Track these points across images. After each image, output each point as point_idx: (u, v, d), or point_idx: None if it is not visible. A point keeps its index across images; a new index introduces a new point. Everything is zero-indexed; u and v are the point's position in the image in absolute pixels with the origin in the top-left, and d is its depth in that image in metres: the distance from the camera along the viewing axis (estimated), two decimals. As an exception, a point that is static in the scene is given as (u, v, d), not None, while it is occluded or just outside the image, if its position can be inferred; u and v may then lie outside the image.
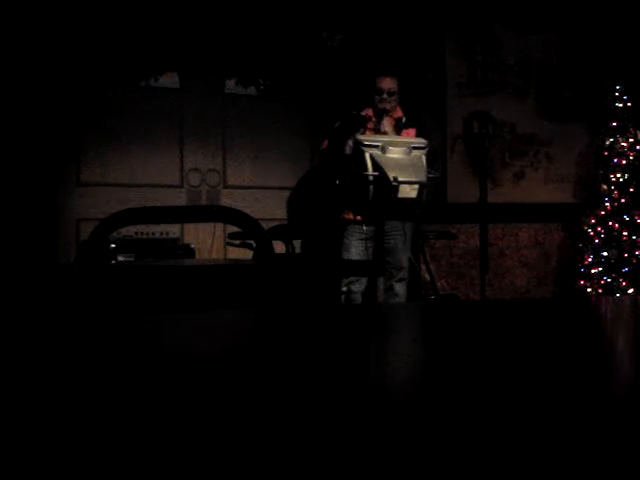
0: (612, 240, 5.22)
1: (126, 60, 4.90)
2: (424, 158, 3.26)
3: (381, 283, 4.30)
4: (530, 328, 0.93)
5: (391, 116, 4.29)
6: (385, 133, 4.16)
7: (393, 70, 4.44)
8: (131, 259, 4.05)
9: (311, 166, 5.33)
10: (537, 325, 0.97)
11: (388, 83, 4.31)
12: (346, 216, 4.29)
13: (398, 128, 4.25)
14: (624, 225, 5.22)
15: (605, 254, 5.21)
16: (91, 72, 4.81)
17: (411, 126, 4.30)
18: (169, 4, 4.88)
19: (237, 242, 4.31)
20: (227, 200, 5.21)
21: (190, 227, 5.02)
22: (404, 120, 4.31)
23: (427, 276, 5.05)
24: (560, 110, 5.73)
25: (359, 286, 4.26)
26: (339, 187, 3.65)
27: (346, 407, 0.46)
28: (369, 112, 4.30)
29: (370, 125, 4.25)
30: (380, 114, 4.25)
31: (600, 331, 0.97)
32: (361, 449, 0.38)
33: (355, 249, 4.25)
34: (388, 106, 4.26)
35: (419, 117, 4.55)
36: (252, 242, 3.82)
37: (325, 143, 4.24)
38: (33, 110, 4.53)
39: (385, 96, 4.27)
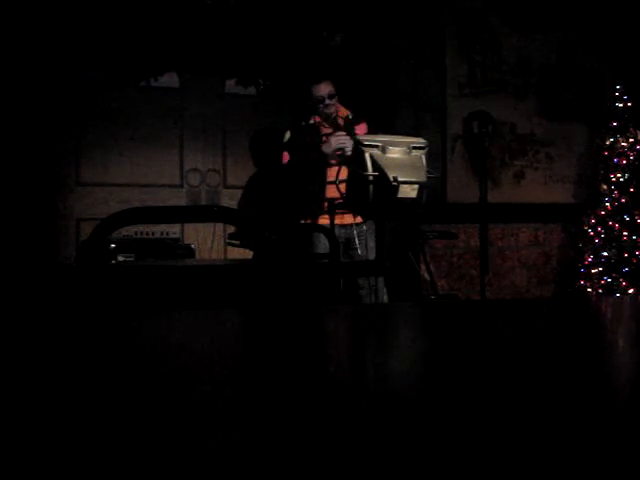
0: (612, 240, 5.22)
1: (126, 60, 4.90)
2: (424, 158, 3.26)
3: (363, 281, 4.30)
4: (530, 328, 0.93)
5: (340, 117, 4.31)
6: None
7: (325, 75, 4.45)
8: (131, 259, 4.04)
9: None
10: (537, 325, 0.97)
11: (325, 88, 4.32)
12: (321, 222, 4.24)
13: (349, 126, 4.25)
14: (624, 225, 5.22)
15: (605, 254, 5.21)
16: (91, 72, 4.81)
17: (360, 121, 4.32)
18: (169, 4, 4.88)
19: (237, 242, 4.31)
20: (227, 200, 5.21)
21: (190, 227, 5.01)
22: (351, 117, 4.33)
23: (427, 276, 5.05)
24: (560, 110, 5.73)
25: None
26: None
27: (346, 405, 0.46)
28: (317, 118, 4.33)
29: (324, 130, 4.26)
30: (328, 119, 4.28)
31: (600, 331, 0.97)
32: (361, 448, 0.37)
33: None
34: (332, 109, 4.29)
35: (365, 111, 4.56)
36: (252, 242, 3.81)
37: (285, 157, 4.26)
38: (33, 110, 4.53)
39: (327, 101, 4.29)
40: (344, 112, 4.36)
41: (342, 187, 3.46)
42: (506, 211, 5.53)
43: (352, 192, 3.32)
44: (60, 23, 4.58)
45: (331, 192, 4.02)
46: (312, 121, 4.32)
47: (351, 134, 4.07)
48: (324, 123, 4.30)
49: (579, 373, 0.59)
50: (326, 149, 4.14)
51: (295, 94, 5.22)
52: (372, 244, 4.27)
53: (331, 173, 4.06)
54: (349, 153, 3.73)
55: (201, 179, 5.21)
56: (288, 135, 4.31)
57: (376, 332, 0.92)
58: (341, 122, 4.25)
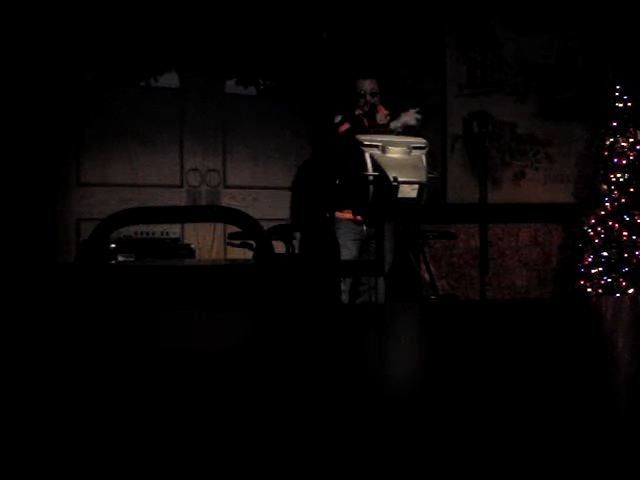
0: (612, 240, 5.22)
1: (126, 60, 4.90)
2: (424, 158, 3.26)
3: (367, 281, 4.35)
4: (530, 328, 0.93)
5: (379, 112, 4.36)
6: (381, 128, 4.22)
7: (372, 71, 4.52)
8: (131, 259, 4.04)
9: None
10: (537, 325, 0.97)
11: (369, 84, 4.38)
12: (342, 215, 4.29)
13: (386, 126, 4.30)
14: (624, 225, 5.22)
15: (605, 254, 5.21)
16: (91, 72, 4.81)
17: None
18: (169, 4, 4.88)
19: (237, 242, 4.31)
20: (227, 200, 5.21)
21: (190, 227, 5.01)
22: (389, 118, 4.37)
23: (427, 276, 5.05)
24: (560, 110, 5.72)
25: (345, 285, 4.27)
26: (339, 187, 3.67)
27: (347, 407, 0.46)
28: (358, 112, 4.38)
29: (365, 124, 4.29)
30: (368, 114, 4.32)
31: (600, 331, 0.97)
32: (361, 449, 0.38)
33: (349, 250, 4.26)
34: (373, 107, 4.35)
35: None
36: (252, 242, 3.82)
37: (344, 127, 4.22)
38: (33, 110, 4.53)
39: (369, 98, 4.34)
40: (384, 112, 4.42)
41: None
42: (506, 211, 5.53)
43: (352, 192, 3.33)
44: (60, 23, 4.58)
45: None
46: (357, 113, 4.39)
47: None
48: (364, 118, 4.35)
49: (579, 374, 0.59)
50: (395, 124, 4.20)
51: (295, 94, 5.23)
52: (389, 244, 4.33)
53: None
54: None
55: (201, 179, 5.21)
56: (339, 117, 4.30)
57: (375, 332, 0.92)
58: (379, 121, 4.31)
